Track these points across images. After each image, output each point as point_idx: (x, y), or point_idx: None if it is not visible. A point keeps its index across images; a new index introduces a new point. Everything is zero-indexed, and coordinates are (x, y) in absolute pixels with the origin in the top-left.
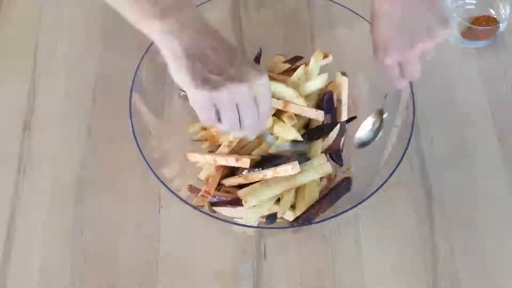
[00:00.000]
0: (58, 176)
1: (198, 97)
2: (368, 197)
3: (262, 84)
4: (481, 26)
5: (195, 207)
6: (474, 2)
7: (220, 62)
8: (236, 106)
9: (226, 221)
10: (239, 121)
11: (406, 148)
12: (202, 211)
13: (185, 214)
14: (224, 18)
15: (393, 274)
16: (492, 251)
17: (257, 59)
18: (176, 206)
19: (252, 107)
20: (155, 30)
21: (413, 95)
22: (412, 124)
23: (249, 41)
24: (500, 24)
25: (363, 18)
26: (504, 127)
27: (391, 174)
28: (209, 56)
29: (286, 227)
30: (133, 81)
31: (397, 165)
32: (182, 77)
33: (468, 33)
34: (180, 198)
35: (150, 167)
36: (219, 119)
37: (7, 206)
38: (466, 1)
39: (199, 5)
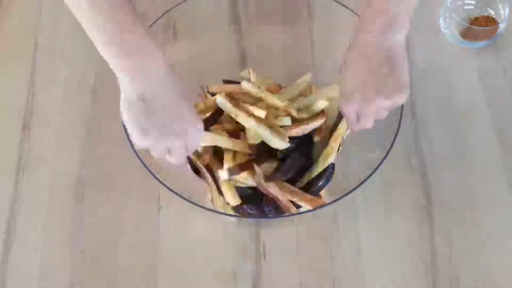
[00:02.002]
0: (57, 176)
1: (142, 142)
2: (364, 181)
3: (196, 139)
4: (480, 26)
5: (191, 201)
6: (473, 2)
7: (164, 120)
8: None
9: (223, 213)
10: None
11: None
12: (200, 206)
13: (184, 215)
14: (223, 19)
15: (392, 274)
16: (492, 251)
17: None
18: (175, 207)
19: (182, 152)
20: (119, 66)
21: None
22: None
23: (249, 41)
24: (500, 24)
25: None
26: (503, 127)
27: (387, 152)
28: (156, 111)
29: (283, 216)
30: None
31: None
32: (127, 123)
33: (467, 33)
34: (174, 191)
35: (144, 164)
36: None
37: (7, 206)
38: (466, 1)
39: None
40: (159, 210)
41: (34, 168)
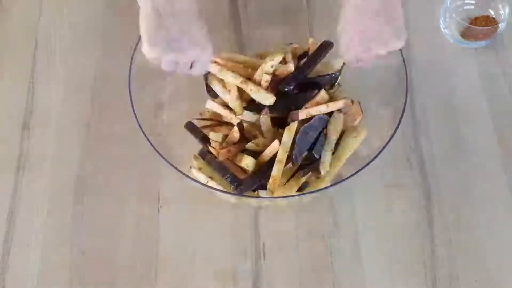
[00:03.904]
0: (57, 176)
1: (150, 52)
2: (367, 164)
3: (204, 61)
4: (480, 26)
5: (192, 179)
6: (474, 2)
7: (172, 34)
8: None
9: (222, 191)
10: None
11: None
12: (200, 183)
13: (184, 214)
14: (223, 19)
15: (392, 273)
16: (491, 250)
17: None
18: (175, 206)
19: (186, 69)
20: None
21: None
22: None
23: (249, 41)
24: (499, 24)
25: None
26: (503, 126)
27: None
28: (166, 24)
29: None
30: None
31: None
32: (141, 32)
33: (467, 33)
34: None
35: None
36: None
37: (6, 205)
38: (466, 1)
39: None
40: (159, 210)
41: (34, 168)
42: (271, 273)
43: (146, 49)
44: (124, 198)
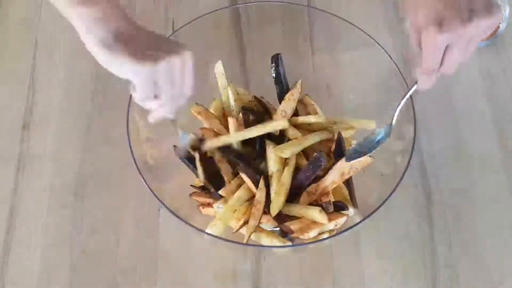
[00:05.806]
0: (57, 175)
1: (140, 72)
2: (368, 215)
3: (189, 57)
4: None
5: (193, 226)
6: None
7: (151, 41)
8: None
9: (224, 239)
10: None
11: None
12: (201, 230)
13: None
14: (223, 19)
15: (392, 273)
16: (491, 251)
17: None
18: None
19: (182, 80)
20: (82, 17)
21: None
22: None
23: (249, 41)
24: (500, 25)
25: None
26: (503, 127)
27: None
28: (140, 37)
29: (283, 246)
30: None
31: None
32: (119, 60)
33: None
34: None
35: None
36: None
37: (6, 205)
38: None
39: (202, 15)
40: (159, 210)
41: (34, 168)
42: (271, 273)
43: (132, 63)
44: (124, 198)
